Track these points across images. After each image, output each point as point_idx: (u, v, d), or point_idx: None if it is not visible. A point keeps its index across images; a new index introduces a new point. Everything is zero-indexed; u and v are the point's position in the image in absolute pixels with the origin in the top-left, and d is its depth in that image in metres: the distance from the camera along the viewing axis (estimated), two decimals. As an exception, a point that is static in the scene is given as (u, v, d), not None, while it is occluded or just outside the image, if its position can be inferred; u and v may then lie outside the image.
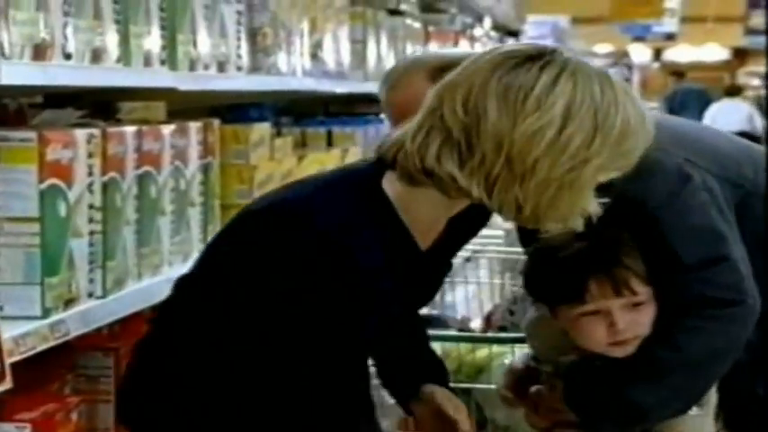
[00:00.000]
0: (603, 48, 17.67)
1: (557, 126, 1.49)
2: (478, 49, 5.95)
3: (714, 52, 19.73)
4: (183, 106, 2.50)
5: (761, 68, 20.78)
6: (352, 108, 3.91)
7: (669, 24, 12.65)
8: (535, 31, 10.83)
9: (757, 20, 14.59)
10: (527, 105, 1.49)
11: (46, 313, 1.66)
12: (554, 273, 1.82)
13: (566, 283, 1.81)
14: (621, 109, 1.53)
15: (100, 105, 2.24)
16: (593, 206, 1.57)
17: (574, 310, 1.80)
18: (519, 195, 1.51)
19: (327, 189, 1.61)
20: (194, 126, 2.24)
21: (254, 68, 2.61)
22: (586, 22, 15.15)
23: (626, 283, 1.78)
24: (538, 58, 1.52)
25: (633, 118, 1.55)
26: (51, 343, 1.65)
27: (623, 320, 1.78)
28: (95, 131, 1.82)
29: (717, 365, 1.86)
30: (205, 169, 2.28)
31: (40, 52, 1.65)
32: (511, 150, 1.49)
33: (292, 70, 2.86)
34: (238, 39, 2.47)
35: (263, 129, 2.62)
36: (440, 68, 1.80)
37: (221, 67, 2.38)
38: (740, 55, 21.64)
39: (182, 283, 1.69)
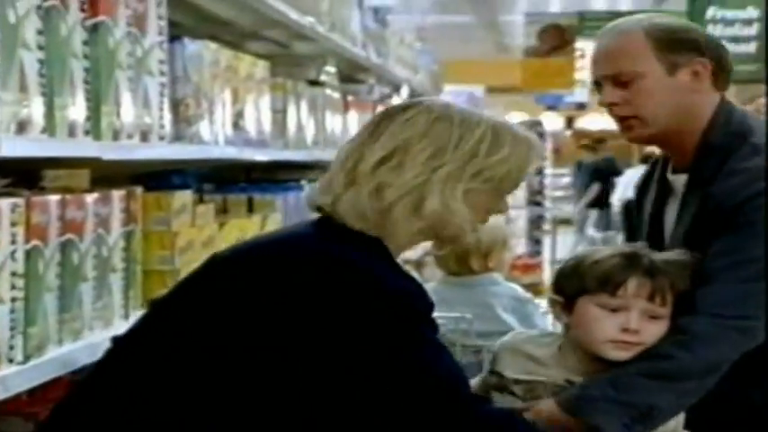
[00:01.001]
0: (518, 116, 17.99)
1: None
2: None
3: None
4: (107, 174, 2.51)
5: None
6: (273, 175, 3.94)
7: (580, 95, 12.93)
8: (452, 99, 11.02)
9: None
10: None
11: (-34, 379, 1.66)
12: (605, 261, 1.92)
13: (611, 273, 1.91)
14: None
15: (23, 174, 2.25)
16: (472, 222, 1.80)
17: (598, 300, 1.91)
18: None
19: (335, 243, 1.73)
20: (117, 194, 2.26)
21: (177, 137, 2.63)
22: (501, 91, 15.44)
23: (662, 292, 1.91)
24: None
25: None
26: (-29, 409, 1.64)
27: (639, 324, 1.89)
28: (19, 201, 1.82)
29: (719, 373, 1.93)
30: (127, 236, 2.30)
31: (-35, 124, 1.67)
32: None
33: (215, 138, 2.89)
34: (161, 109, 2.50)
35: (185, 196, 2.64)
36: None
37: (144, 136, 2.40)
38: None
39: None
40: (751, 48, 9.62)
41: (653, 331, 1.91)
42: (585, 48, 15.04)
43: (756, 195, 1.95)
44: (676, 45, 2.07)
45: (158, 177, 2.76)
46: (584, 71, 14.77)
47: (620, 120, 2.11)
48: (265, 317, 1.66)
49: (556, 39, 12.31)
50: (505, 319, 2.89)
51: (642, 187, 2.27)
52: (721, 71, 2.12)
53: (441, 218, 1.76)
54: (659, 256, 1.95)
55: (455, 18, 13.26)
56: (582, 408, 1.88)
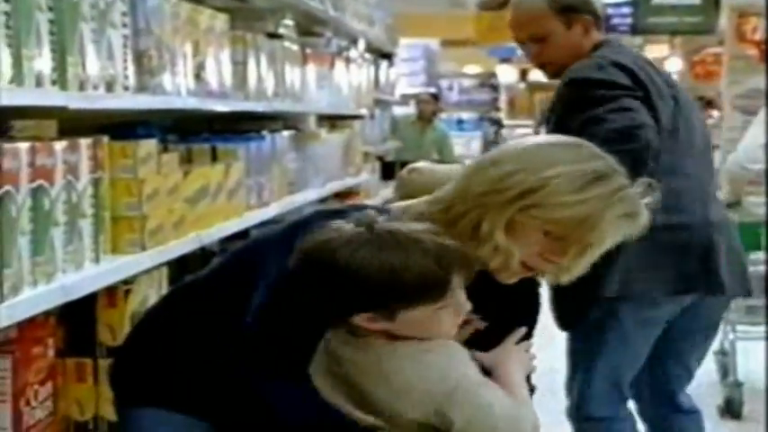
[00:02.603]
0: (472, 69, 18.03)
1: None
2: (354, 69, 6.08)
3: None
4: (73, 125, 2.54)
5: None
6: (234, 125, 3.97)
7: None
8: (407, 53, 11.03)
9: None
10: None
11: (-54, 317, 1.70)
12: (411, 270, 1.70)
13: (435, 283, 1.72)
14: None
15: (-8, 123, 2.27)
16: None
17: (429, 309, 1.73)
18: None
19: None
20: (85, 142, 2.29)
21: (141, 88, 2.66)
22: (455, 44, 15.45)
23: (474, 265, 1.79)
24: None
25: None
26: (-48, 345, 1.68)
27: (464, 298, 1.77)
28: (-9, 147, 1.86)
29: None
30: (96, 183, 2.33)
31: (-63, 73, 1.69)
32: None
33: (177, 90, 2.91)
34: (125, 60, 2.52)
35: (150, 145, 2.67)
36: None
37: (109, 87, 2.43)
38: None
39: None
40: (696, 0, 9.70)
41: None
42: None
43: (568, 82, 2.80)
44: (567, 8, 2.90)
45: (123, 128, 2.78)
46: (536, 24, 14.84)
47: (538, 67, 3.00)
48: None
49: (508, -8, 12.30)
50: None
51: None
52: (598, 20, 2.96)
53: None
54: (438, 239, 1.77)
55: (410, -27, 13.21)
56: None
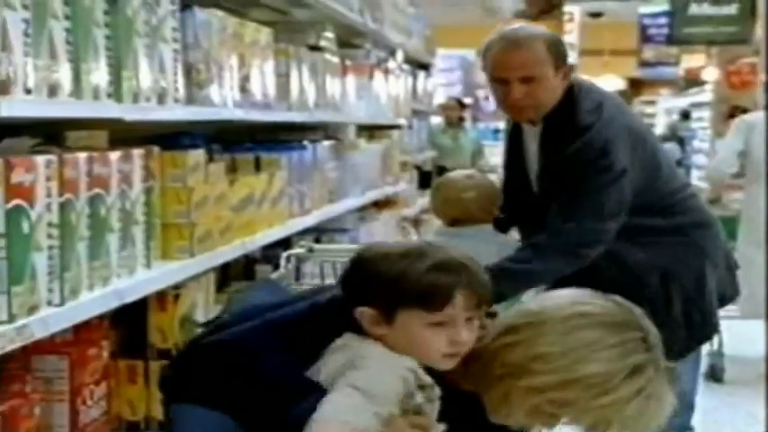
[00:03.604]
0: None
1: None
2: (392, 80, 6.16)
3: (612, 82, 20.28)
4: (120, 135, 2.62)
5: (653, 98, 21.42)
6: (276, 135, 4.06)
7: (569, 57, 13.04)
8: (444, 64, 11.09)
9: (649, 53, 15.07)
10: None
11: (12, 318, 1.78)
12: (431, 274, 1.71)
13: (435, 290, 1.70)
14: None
15: (47, 135, 2.36)
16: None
17: (422, 318, 1.71)
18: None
19: None
20: (137, 152, 2.38)
21: (190, 100, 2.75)
22: (492, 55, 15.43)
23: (486, 302, 1.77)
24: None
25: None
26: (17, 344, 1.77)
27: (465, 334, 1.73)
28: (53, 158, 1.95)
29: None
30: (147, 191, 2.42)
31: (4, 88, 1.78)
32: None
33: (223, 101, 3.00)
34: (175, 74, 2.62)
35: (198, 155, 2.76)
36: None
37: (161, 99, 2.52)
38: (635, 85, 22.26)
39: None
40: (732, 10, 9.70)
41: (473, 336, 1.75)
42: (573, 11, 15.08)
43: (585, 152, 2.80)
44: (560, 55, 2.87)
45: (169, 138, 2.87)
46: (572, 34, 14.82)
47: (517, 108, 2.86)
48: None
49: (543, 3, 12.34)
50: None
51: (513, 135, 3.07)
52: (569, 70, 2.93)
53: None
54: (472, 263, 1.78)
55: (446, -16, 13.28)
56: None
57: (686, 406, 3.00)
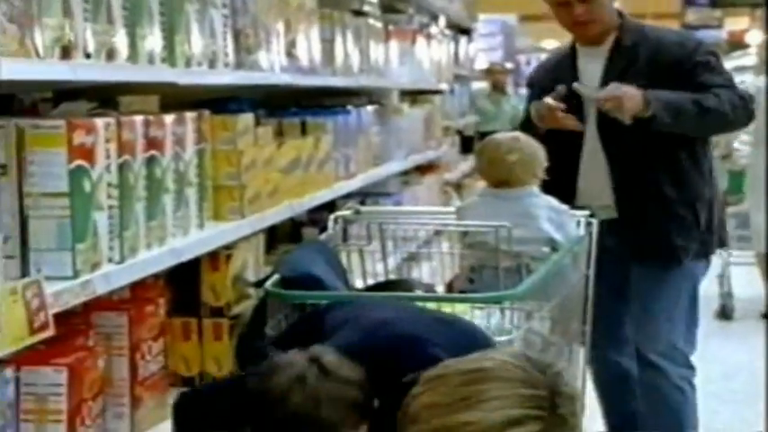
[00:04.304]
0: (549, 43, 17.92)
1: None
2: (434, 45, 6.18)
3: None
4: (168, 100, 2.68)
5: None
6: (321, 100, 4.11)
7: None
8: (486, 28, 11.05)
9: (692, 16, 14.91)
10: None
11: (76, 274, 1.85)
12: None
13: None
14: None
15: (103, 99, 2.43)
16: None
17: None
18: None
19: None
20: (190, 116, 2.44)
21: (239, 65, 2.80)
22: (533, 19, 15.37)
23: None
24: None
25: None
26: (82, 299, 1.84)
27: None
28: (111, 120, 2.01)
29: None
30: (200, 154, 2.48)
31: (66, 52, 1.85)
32: None
33: (271, 66, 3.05)
34: (225, 39, 2.67)
35: (247, 119, 2.81)
36: None
37: (212, 63, 2.57)
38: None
39: None
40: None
41: None
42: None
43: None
44: None
45: (218, 103, 2.93)
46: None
47: (582, 24, 3.33)
48: None
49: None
50: (543, 226, 3.04)
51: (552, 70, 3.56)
52: None
53: None
54: None
55: (487, -52, 13.19)
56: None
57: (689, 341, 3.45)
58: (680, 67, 3.31)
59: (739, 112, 3.31)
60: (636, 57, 3.34)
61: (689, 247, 3.36)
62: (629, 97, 3.20)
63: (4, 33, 1.63)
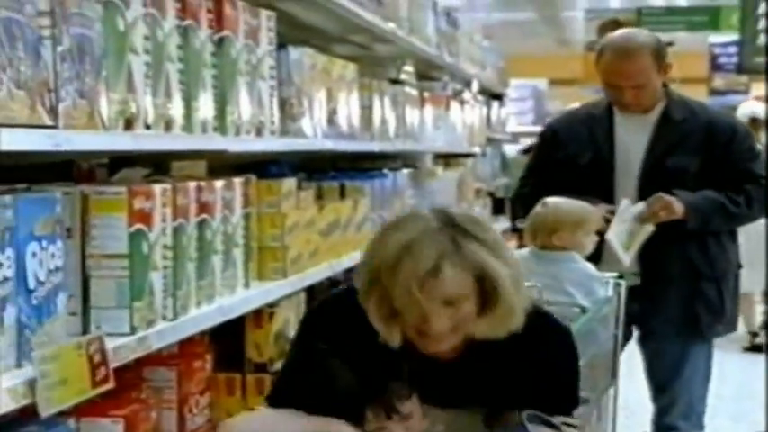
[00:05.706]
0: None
1: None
2: (467, 110, 6.30)
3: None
4: (216, 164, 2.78)
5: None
6: (357, 164, 4.22)
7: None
8: (517, 93, 11.20)
9: (719, 81, 14.98)
10: None
11: (133, 330, 1.95)
12: None
13: None
14: None
15: (155, 164, 2.54)
16: None
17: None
18: None
19: None
20: (238, 181, 2.54)
21: (284, 132, 2.91)
22: (562, 83, 15.53)
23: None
24: None
25: None
26: (139, 354, 1.93)
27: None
28: (168, 186, 2.12)
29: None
30: (246, 217, 2.58)
31: (129, 124, 1.96)
32: None
33: (314, 132, 3.16)
34: (271, 108, 2.78)
35: (290, 183, 2.92)
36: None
37: (259, 131, 2.69)
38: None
39: None
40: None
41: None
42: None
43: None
44: (662, 57, 3.34)
45: (261, 167, 3.03)
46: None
47: (630, 105, 3.34)
48: None
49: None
50: (570, 290, 3.10)
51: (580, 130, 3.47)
52: (669, 67, 3.39)
53: None
54: None
55: (518, 15, 13.41)
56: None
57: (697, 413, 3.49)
58: (728, 150, 3.35)
59: (759, 210, 3.41)
60: (686, 132, 3.35)
61: (715, 328, 3.42)
62: (678, 207, 3.29)
63: (75, 108, 1.74)
